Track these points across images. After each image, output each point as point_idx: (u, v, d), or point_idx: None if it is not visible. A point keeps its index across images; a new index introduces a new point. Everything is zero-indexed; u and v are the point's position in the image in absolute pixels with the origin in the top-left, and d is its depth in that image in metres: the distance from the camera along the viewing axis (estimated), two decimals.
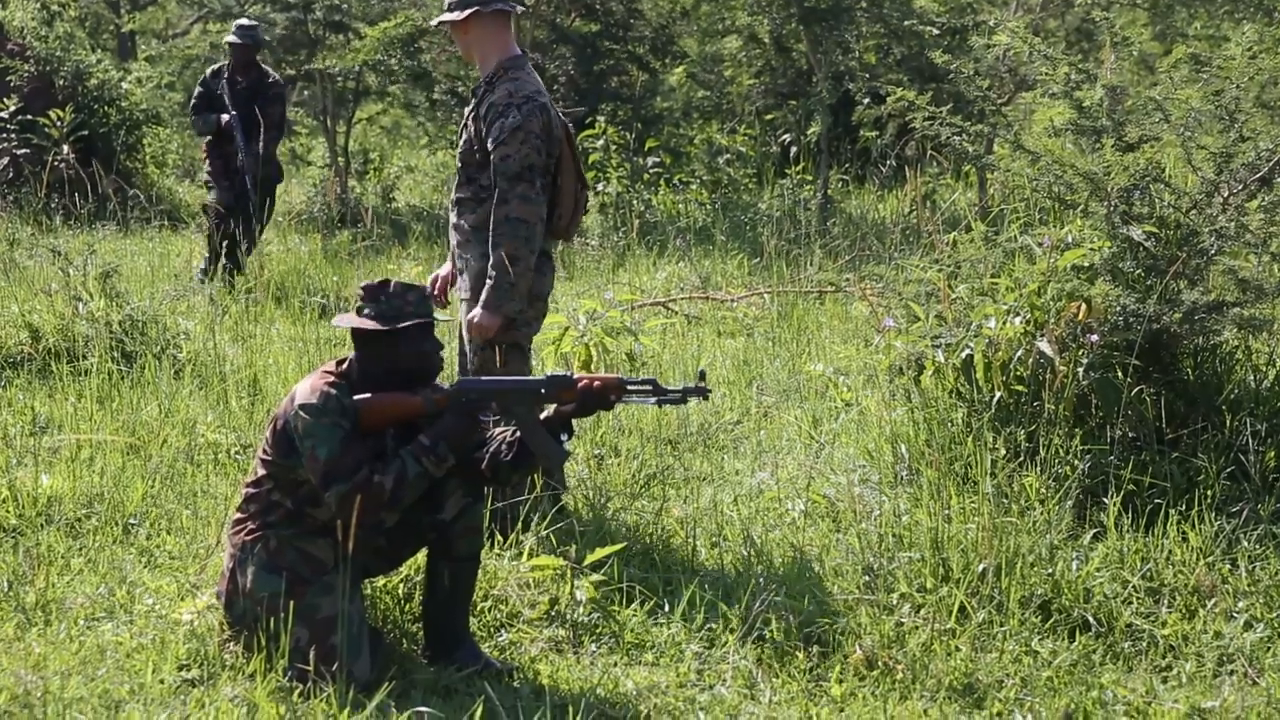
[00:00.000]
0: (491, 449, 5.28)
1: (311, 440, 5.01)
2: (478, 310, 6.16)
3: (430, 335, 5.22)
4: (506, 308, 6.13)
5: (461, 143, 6.38)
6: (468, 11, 6.24)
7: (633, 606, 5.69)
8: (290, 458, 5.10)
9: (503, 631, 5.49)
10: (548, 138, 6.20)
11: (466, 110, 6.39)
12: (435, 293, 6.52)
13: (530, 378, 5.32)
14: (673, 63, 16.69)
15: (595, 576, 5.70)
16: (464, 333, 6.32)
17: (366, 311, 5.15)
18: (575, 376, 5.22)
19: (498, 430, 5.34)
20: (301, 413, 5.05)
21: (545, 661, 5.31)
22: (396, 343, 5.14)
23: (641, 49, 15.92)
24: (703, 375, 5.31)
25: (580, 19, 16.30)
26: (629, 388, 5.23)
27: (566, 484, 6.39)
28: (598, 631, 5.53)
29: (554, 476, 6.24)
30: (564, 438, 5.23)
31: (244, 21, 12.07)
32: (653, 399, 5.27)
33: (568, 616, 5.56)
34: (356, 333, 5.17)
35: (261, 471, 5.20)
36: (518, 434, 5.25)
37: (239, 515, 5.26)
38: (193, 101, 12.03)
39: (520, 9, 6.49)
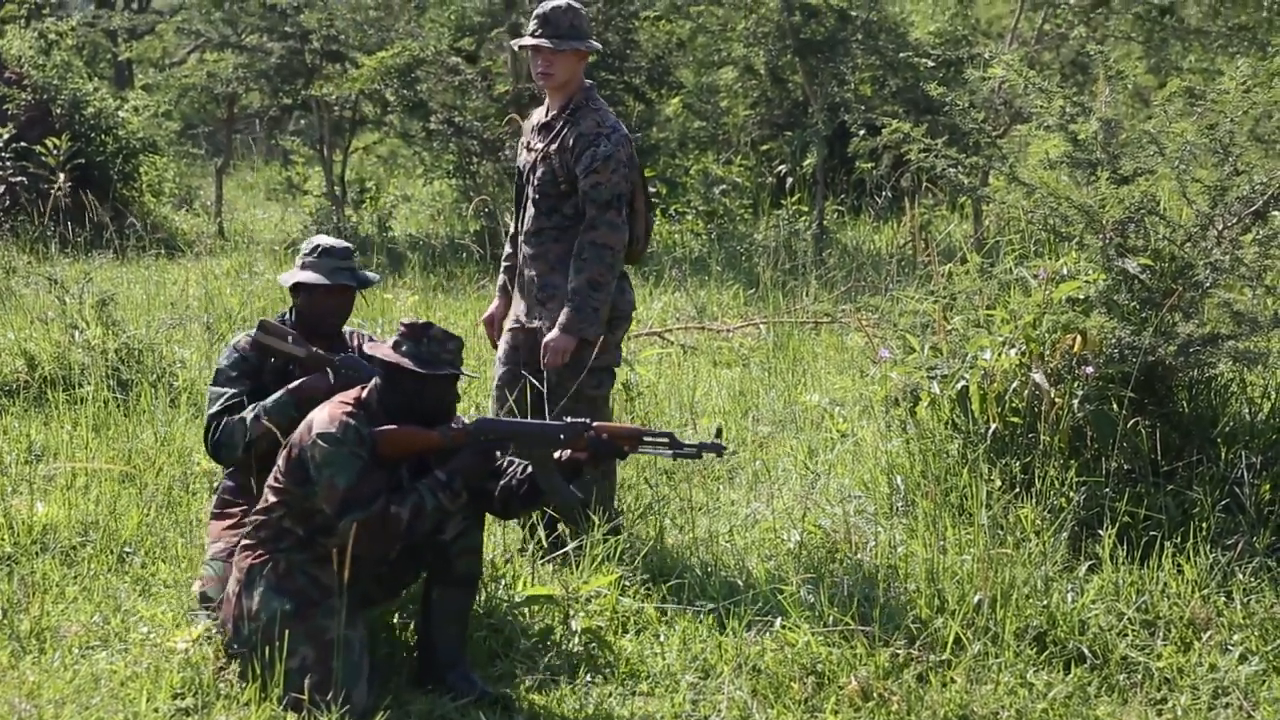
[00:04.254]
0: (506, 482, 5.33)
1: (330, 470, 5.03)
2: (555, 333, 6.35)
3: (455, 385, 5.29)
4: (588, 332, 6.33)
5: (539, 176, 6.54)
6: (568, 45, 6.47)
7: (628, 636, 5.69)
8: (304, 486, 5.11)
9: (498, 661, 5.49)
10: (631, 166, 6.46)
11: (536, 142, 6.59)
12: (491, 334, 6.88)
13: (549, 422, 5.35)
14: (669, 93, 16.72)
15: (590, 606, 5.70)
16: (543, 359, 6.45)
17: (404, 349, 5.18)
18: (592, 425, 5.27)
19: (513, 466, 5.37)
20: (320, 441, 5.06)
21: (540, 691, 5.30)
22: (425, 387, 5.18)
23: (638, 79, 15.95)
24: (719, 432, 5.45)
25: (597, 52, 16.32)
26: (645, 439, 5.31)
27: (581, 527, 6.44)
28: (593, 661, 5.53)
29: (568, 519, 6.27)
30: (573, 484, 5.31)
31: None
32: (668, 452, 5.33)
33: (563, 646, 5.56)
34: (388, 367, 5.20)
35: (273, 499, 5.21)
36: (530, 471, 5.30)
37: (247, 542, 5.27)
38: None
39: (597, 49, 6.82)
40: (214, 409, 5.84)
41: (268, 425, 5.69)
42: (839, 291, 11.35)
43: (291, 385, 5.78)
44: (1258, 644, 5.57)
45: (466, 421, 5.28)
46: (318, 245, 5.99)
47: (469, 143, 15.25)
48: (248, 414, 5.76)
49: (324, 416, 5.14)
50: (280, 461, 5.23)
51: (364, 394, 5.25)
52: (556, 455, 5.28)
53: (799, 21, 14.10)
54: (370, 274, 6.08)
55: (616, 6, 15.63)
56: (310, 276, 5.91)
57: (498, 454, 5.29)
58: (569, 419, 5.34)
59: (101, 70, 24.09)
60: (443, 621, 5.28)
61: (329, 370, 5.80)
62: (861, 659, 5.39)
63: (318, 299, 5.94)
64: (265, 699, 4.98)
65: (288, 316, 6.03)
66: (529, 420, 5.47)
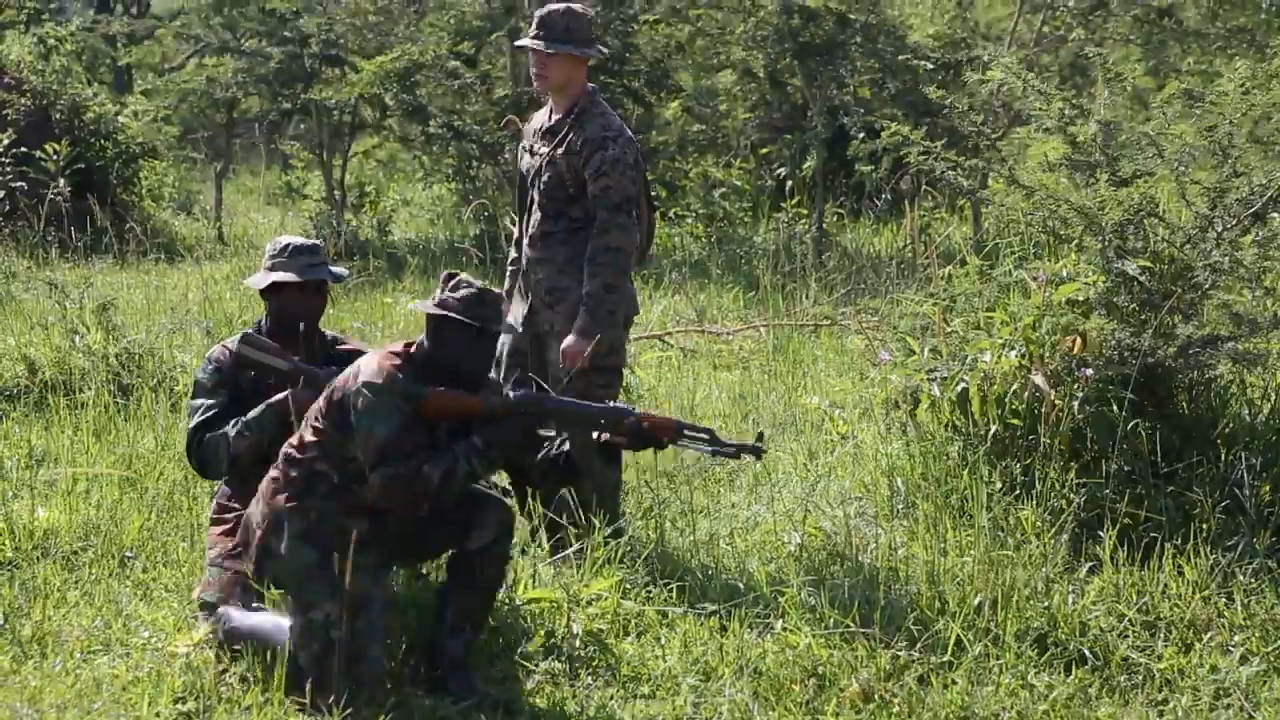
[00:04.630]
0: (546, 453, 5.38)
1: (370, 419, 5.03)
2: (572, 337, 6.38)
3: (487, 347, 5.26)
4: (607, 334, 6.37)
5: (545, 180, 6.57)
6: (562, 49, 6.51)
7: (629, 639, 5.69)
8: (344, 432, 5.11)
9: (499, 663, 5.49)
10: (638, 169, 6.53)
11: (541, 146, 6.62)
12: None
13: (592, 405, 5.40)
14: (668, 97, 16.73)
15: (591, 609, 5.70)
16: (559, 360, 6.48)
17: (450, 304, 5.16)
18: (634, 412, 5.30)
19: (554, 440, 5.40)
20: (365, 390, 5.06)
21: (541, 694, 5.30)
22: (473, 341, 5.17)
23: (637, 83, 15.95)
24: (761, 436, 5.51)
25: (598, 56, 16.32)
26: (686, 433, 5.31)
27: (621, 515, 6.50)
28: (594, 664, 5.53)
29: (605, 506, 6.34)
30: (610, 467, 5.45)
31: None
32: (708, 448, 5.34)
33: (564, 649, 5.56)
34: (438, 321, 5.18)
35: (311, 438, 5.20)
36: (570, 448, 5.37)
37: (275, 475, 5.25)
38: None
39: (601, 54, 6.87)
40: (194, 421, 5.83)
41: (250, 440, 5.69)
42: (839, 294, 11.36)
43: (273, 399, 5.75)
44: (1258, 645, 5.57)
45: (511, 394, 5.29)
46: (287, 244, 5.97)
47: (468, 147, 15.28)
48: (229, 429, 5.75)
49: (373, 365, 5.13)
50: (321, 402, 5.22)
51: (412, 347, 5.23)
52: (596, 437, 5.32)
53: (798, 25, 14.10)
54: (340, 269, 6.08)
55: (616, 10, 15.64)
56: (283, 275, 5.89)
57: (540, 430, 5.30)
58: (613, 403, 5.38)
59: (101, 75, 24.11)
60: (455, 625, 5.28)
61: (312, 383, 5.76)
62: (863, 661, 5.40)
63: (292, 298, 5.92)
64: (267, 702, 4.99)
65: (263, 323, 6.00)
66: (573, 400, 5.44)
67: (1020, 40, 14.50)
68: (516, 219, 6.88)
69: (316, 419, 5.22)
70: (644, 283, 12.50)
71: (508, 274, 6.86)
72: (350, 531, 5.07)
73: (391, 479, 5.00)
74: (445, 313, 5.13)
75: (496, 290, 5.28)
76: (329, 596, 5.05)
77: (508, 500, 5.58)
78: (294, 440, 5.30)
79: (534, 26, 6.57)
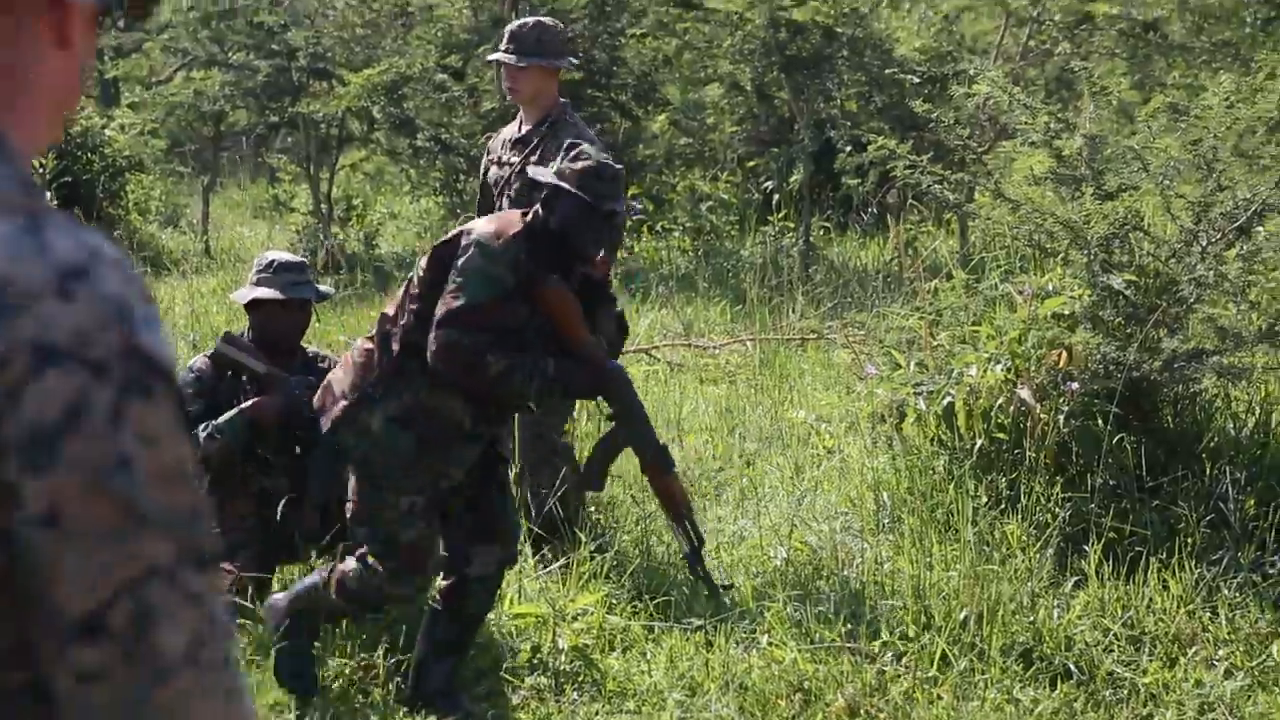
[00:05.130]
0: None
1: (464, 278, 4.78)
2: None
3: (598, 223, 4.93)
4: None
5: (515, 189, 6.60)
6: (533, 61, 6.57)
7: (615, 654, 5.69)
8: (434, 288, 4.88)
9: (484, 679, 5.48)
10: None
11: (511, 156, 6.68)
12: None
13: (654, 434, 5.14)
14: (655, 110, 16.73)
15: (577, 624, 5.70)
16: None
17: (567, 175, 4.92)
18: (674, 470, 5.12)
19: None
20: (474, 248, 4.81)
21: (526, 710, 5.30)
22: (587, 220, 4.89)
23: (624, 96, 15.95)
24: (730, 587, 5.69)
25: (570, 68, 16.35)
26: (683, 526, 5.13)
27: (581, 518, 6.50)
28: (579, 679, 5.53)
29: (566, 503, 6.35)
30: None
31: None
32: (685, 554, 5.21)
33: (549, 664, 5.55)
34: (553, 190, 4.91)
35: (412, 307, 4.95)
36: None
37: (368, 346, 5.03)
38: None
39: (571, 65, 6.96)
40: None
41: (220, 443, 5.70)
42: (826, 308, 11.36)
43: (244, 405, 5.79)
44: (1243, 659, 5.58)
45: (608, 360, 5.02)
46: (272, 260, 5.99)
47: (455, 160, 15.27)
48: (200, 430, 5.76)
49: (491, 227, 4.89)
50: (422, 263, 4.98)
51: (530, 216, 4.95)
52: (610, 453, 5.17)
53: (785, 38, 14.11)
54: (325, 287, 6.09)
55: (603, 24, 15.64)
56: (266, 292, 5.91)
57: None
58: (665, 446, 5.15)
59: (88, 89, 24.09)
60: (441, 655, 5.25)
61: (283, 391, 5.79)
62: (848, 676, 5.40)
63: (275, 314, 5.92)
64: (263, 686, 4.99)
65: (246, 334, 6.04)
66: (645, 413, 5.13)
67: (1006, 54, 14.52)
68: None
69: (414, 285, 4.95)
70: (631, 297, 12.50)
71: None
72: (446, 415, 4.90)
73: (453, 344, 4.73)
74: (558, 183, 4.89)
75: (617, 165, 5.01)
76: (418, 490, 4.90)
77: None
78: (389, 310, 5.04)
79: (505, 40, 6.68)
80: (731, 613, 5.84)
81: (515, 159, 6.63)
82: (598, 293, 5.08)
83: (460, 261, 4.81)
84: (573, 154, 4.99)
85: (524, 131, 6.70)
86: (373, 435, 4.92)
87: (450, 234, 4.98)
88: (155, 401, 1.49)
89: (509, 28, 6.70)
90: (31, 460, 1.45)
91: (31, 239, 1.49)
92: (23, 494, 1.46)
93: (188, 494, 1.51)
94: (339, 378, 5.06)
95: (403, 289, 5.06)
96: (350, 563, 5.04)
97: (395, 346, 4.95)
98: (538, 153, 6.54)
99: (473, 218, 6.80)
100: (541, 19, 6.77)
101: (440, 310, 4.78)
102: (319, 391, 5.16)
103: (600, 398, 5.12)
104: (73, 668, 1.48)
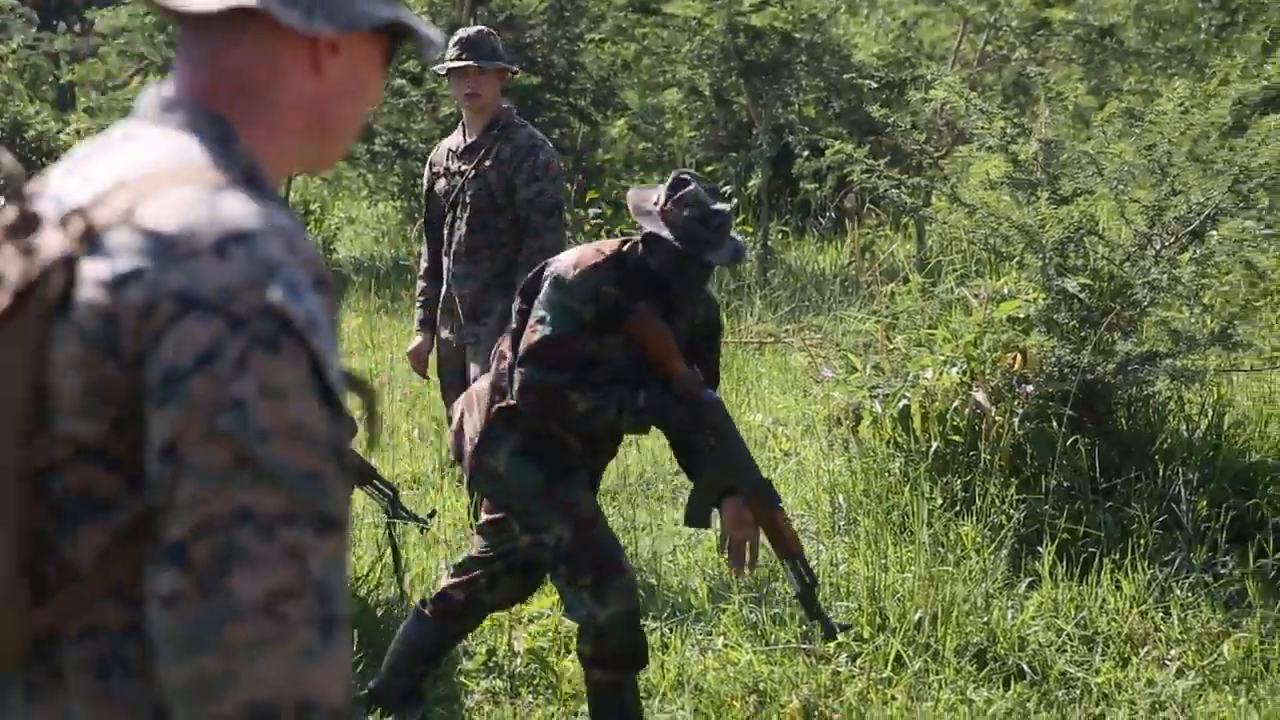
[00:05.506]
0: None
1: (544, 311, 4.61)
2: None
3: (699, 273, 4.68)
4: None
5: (471, 194, 6.58)
6: (493, 65, 6.57)
7: (570, 656, 5.68)
8: (523, 316, 4.72)
9: (440, 682, 5.47)
10: (560, 180, 6.63)
11: (461, 165, 6.64)
12: (420, 367, 6.94)
13: (756, 468, 4.81)
14: (614, 115, 16.73)
15: (533, 627, 5.69)
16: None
17: (667, 208, 4.65)
18: (781, 507, 4.82)
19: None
20: (551, 281, 4.64)
21: (481, 713, 5.29)
22: (680, 266, 4.62)
23: (583, 101, 15.95)
24: (845, 628, 5.34)
25: (522, 71, 16.36)
26: (795, 564, 4.78)
27: None
28: (535, 682, 5.52)
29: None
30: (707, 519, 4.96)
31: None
32: (797, 593, 4.86)
33: (505, 667, 5.55)
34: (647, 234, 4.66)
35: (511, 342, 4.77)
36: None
37: (492, 381, 4.86)
38: None
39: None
40: None
41: None
42: (783, 312, 11.38)
43: None
44: (1194, 659, 5.61)
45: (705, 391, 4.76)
46: None
47: (413, 164, 15.24)
48: None
49: (570, 258, 4.69)
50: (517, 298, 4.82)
51: (626, 245, 4.74)
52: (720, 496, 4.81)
53: (743, 44, 14.14)
54: None
55: (562, 29, 15.65)
56: None
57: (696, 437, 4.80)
58: (769, 481, 4.83)
59: (43, 93, 23.95)
60: (420, 656, 5.18)
61: None
62: (803, 677, 5.41)
63: None
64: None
65: None
66: (745, 446, 4.81)
67: (964, 59, 14.58)
68: (427, 250, 6.87)
69: (514, 321, 4.78)
70: None
71: (419, 304, 6.87)
72: (568, 446, 4.75)
73: (534, 383, 4.58)
74: (659, 233, 4.62)
75: (724, 209, 4.64)
76: (559, 519, 4.71)
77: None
78: (503, 347, 4.83)
79: (457, 49, 6.57)
80: (688, 614, 5.85)
81: (465, 167, 6.61)
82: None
83: (539, 295, 4.68)
84: (678, 195, 4.64)
85: (472, 139, 6.66)
86: (500, 477, 4.80)
87: (536, 267, 4.84)
88: (282, 358, 1.58)
89: (460, 36, 6.63)
90: (160, 397, 1.56)
91: (208, 203, 1.63)
92: (150, 428, 1.57)
93: (311, 455, 1.58)
94: (470, 421, 4.92)
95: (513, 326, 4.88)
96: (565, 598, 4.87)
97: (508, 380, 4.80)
98: (491, 155, 6.54)
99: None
100: (480, 27, 6.80)
101: (521, 347, 4.66)
102: (451, 437, 5.04)
103: (701, 430, 4.77)
104: (154, 591, 1.56)
